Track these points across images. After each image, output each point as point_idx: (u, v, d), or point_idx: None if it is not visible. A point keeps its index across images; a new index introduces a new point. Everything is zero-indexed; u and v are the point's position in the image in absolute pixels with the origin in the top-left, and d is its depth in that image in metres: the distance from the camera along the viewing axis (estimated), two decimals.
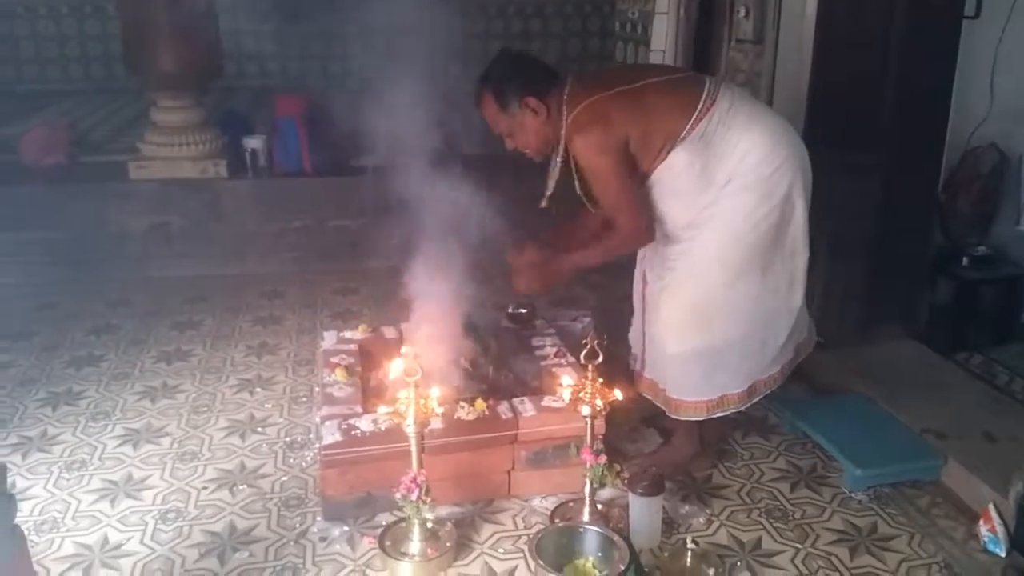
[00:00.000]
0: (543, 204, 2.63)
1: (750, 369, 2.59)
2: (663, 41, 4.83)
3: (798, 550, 2.39)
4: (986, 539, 2.38)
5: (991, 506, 2.41)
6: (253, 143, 4.79)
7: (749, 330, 2.54)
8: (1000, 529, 2.36)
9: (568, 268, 2.70)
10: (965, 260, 3.52)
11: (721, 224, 2.46)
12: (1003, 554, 2.34)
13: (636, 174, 2.46)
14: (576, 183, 2.54)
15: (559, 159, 2.52)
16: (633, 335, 2.84)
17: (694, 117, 2.40)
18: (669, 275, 2.56)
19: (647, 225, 2.51)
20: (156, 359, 3.59)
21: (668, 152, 2.42)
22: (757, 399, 2.63)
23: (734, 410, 2.62)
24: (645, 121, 2.42)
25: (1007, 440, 2.72)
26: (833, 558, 2.37)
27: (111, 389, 3.31)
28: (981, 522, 2.41)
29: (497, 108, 2.46)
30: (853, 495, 2.64)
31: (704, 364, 2.54)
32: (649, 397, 2.73)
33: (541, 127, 2.46)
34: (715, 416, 2.62)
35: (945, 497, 2.62)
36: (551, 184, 2.58)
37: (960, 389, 3.11)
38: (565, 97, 2.44)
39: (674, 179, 2.46)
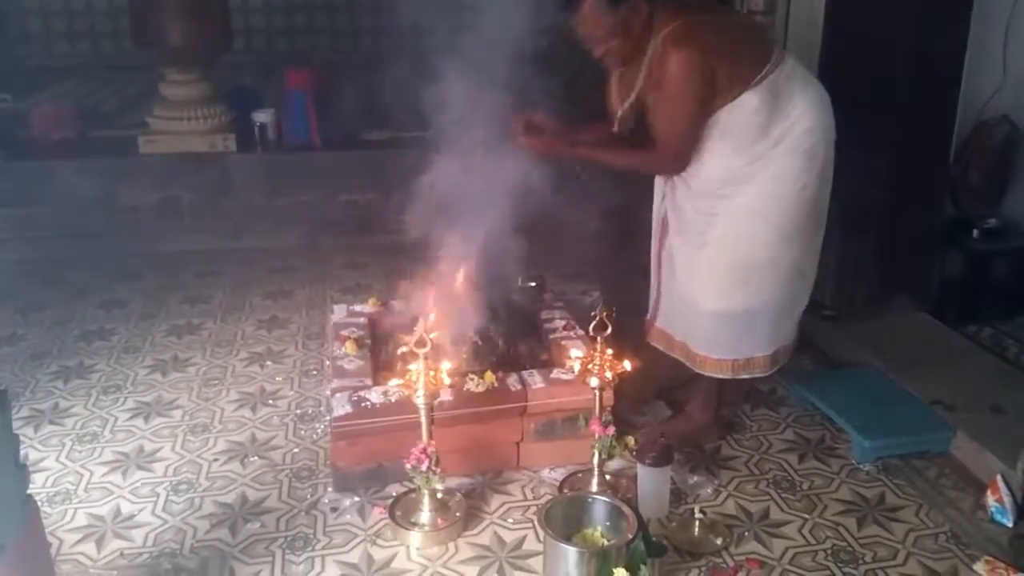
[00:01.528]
0: (615, 127, 2.60)
1: (776, 334, 2.63)
2: None
3: (805, 520, 2.41)
4: (993, 509, 2.39)
5: (999, 477, 2.41)
6: (262, 117, 4.78)
7: (785, 295, 2.57)
8: (1008, 500, 2.36)
9: (580, 152, 2.64)
10: (976, 232, 3.51)
11: (769, 183, 2.45)
12: (1010, 524, 2.35)
13: (707, 107, 2.41)
14: (630, 98, 2.51)
15: (643, 74, 2.44)
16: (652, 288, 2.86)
17: (771, 62, 2.40)
18: (708, 232, 2.52)
19: (685, 157, 2.48)
20: (167, 333, 3.60)
21: (741, 93, 2.38)
22: (777, 368, 2.68)
23: (759, 374, 2.67)
24: (733, 56, 2.38)
25: (1016, 412, 2.72)
26: (841, 528, 2.38)
27: (122, 362, 3.34)
28: (989, 493, 2.42)
29: (603, 9, 2.34)
30: (861, 466, 2.64)
31: (738, 324, 2.56)
32: (659, 347, 2.78)
33: (640, 32, 2.38)
34: (738, 377, 2.65)
35: (953, 468, 2.62)
36: (631, 98, 2.51)
37: (970, 362, 3.11)
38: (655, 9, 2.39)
39: (735, 123, 2.42)
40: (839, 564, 2.24)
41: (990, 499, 2.41)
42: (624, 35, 2.38)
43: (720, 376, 2.65)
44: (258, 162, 4.75)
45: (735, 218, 2.49)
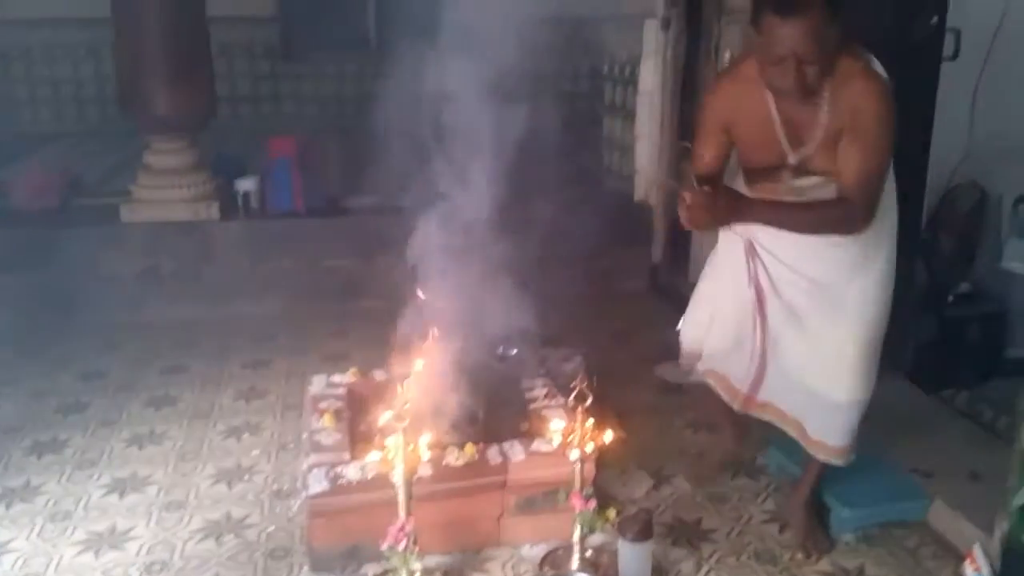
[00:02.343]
0: (791, 162, 2.27)
1: None
2: (650, 83, 4.90)
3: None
4: None
5: (976, 546, 2.41)
6: (245, 184, 4.82)
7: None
8: (985, 569, 2.35)
9: (757, 211, 2.28)
10: (950, 298, 3.56)
11: (888, 249, 2.34)
12: None
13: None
14: (815, 138, 2.22)
15: (823, 119, 2.19)
16: (733, 351, 2.58)
17: None
18: (840, 309, 2.33)
19: (875, 209, 2.21)
20: (144, 404, 3.58)
21: None
22: None
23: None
24: None
25: (992, 478, 2.72)
26: None
27: (98, 436, 3.30)
28: (967, 562, 2.41)
29: (827, 18, 2.05)
30: (841, 536, 2.64)
31: (863, 409, 2.42)
32: (773, 421, 2.61)
33: (834, 52, 2.11)
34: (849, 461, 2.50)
35: (932, 537, 2.63)
36: (816, 137, 2.21)
37: (946, 427, 3.13)
38: None
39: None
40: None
41: (968, 569, 2.40)
42: (824, 56, 2.09)
43: (839, 463, 2.49)
44: (241, 229, 4.77)
45: (865, 293, 2.33)
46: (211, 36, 4.82)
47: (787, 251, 2.35)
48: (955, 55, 3.37)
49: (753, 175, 2.40)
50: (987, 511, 2.46)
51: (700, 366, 2.73)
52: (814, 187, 2.27)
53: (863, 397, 2.37)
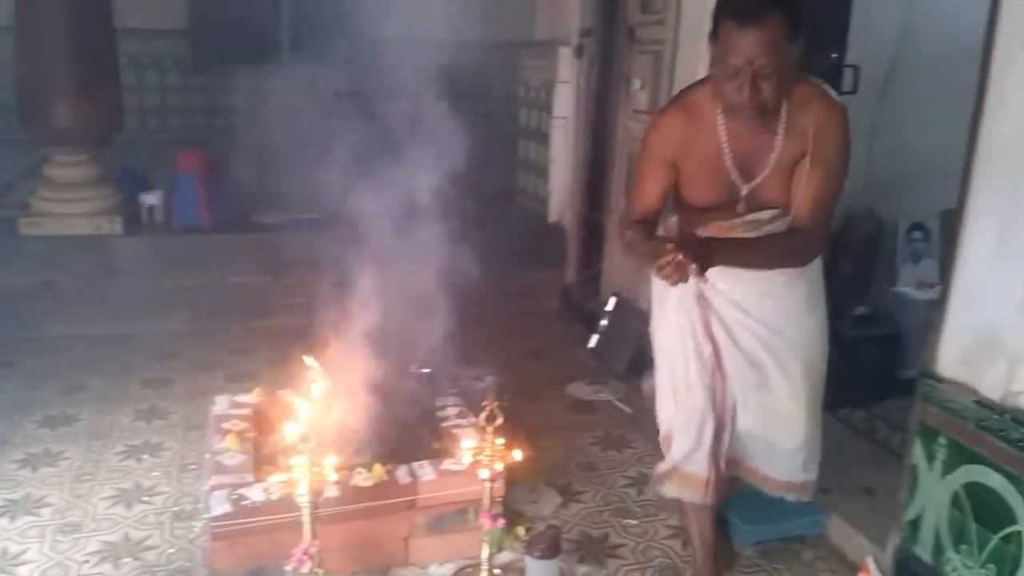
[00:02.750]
0: (743, 194, 2.18)
1: None
2: (565, 108, 4.99)
3: None
4: None
5: (870, 559, 2.51)
6: (150, 199, 4.71)
7: None
8: None
9: (730, 253, 2.13)
10: (847, 320, 3.69)
11: (823, 287, 2.37)
12: None
13: None
14: (769, 163, 2.14)
15: (776, 148, 2.13)
16: (690, 425, 2.39)
17: None
18: (791, 354, 2.33)
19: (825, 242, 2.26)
20: (39, 424, 3.43)
21: None
22: None
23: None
24: None
25: (885, 494, 2.83)
26: None
27: None
28: (860, 574, 2.50)
29: (786, 36, 1.98)
30: (742, 551, 2.70)
31: (819, 441, 2.49)
32: (754, 483, 2.53)
33: (792, 79, 2.07)
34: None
35: (829, 551, 2.72)
36: (769, 162, 2.14)
37: (843, 445, 3.23)
38: None
39: None
40: None
41: None
42: (784, 76, 2.02)
43: (805, 499, 2.53)
44: (145, 245, 4.65)
45: (815, 327, 2.38)
46: (119, 48, 4.70)
47: (739, 292, 2.28)
48: (854, 90, 3.53)
49: (698, 214, 2.28)
50: (881, 525, 2.56)
51: (664, 467, 2.50)
52: (771, 220, 2.19)
53: (818, 433, 2.45)
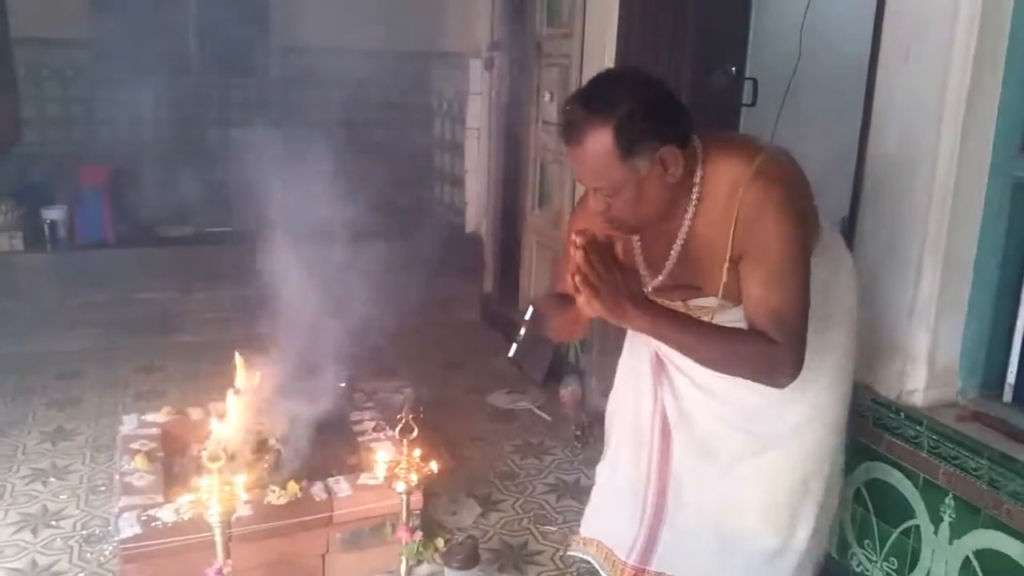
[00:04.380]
0: (649, 288, 1.82)
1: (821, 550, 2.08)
2: (477, 120, 5.03)
3: None
4: None
5: None
6: (53, 214, 4.55)
7: (832, 501, 2.05)
8: None
9: (660, 322, 1.65)
10: None
11: (833, 371, 1.90)
12: None
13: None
14: (671, 258, 1.78)
15: (680, 239, 1.74)
16: (625, 501, 2.08)
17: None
18: (771, 442, 1.90)
19: (803, 356, 1.67)
20: None
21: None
22: None
23: None
24: (811, 205, 1.80)
25: None
26: None
27: None
28: None
29: (615, 154, 1.58)
30: None
31: (802, 555, 1.96)
32: None
33: (667, 191, 1.65)
34: None
35: None
36: (667, 270, 1.79)
37: None
38: (699, 150, 1.70)
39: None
40: None
41: None
42: (640, 195, 1.63)
43: None
44: (48, 261, 4.50)
45: (802, 423, 1.89)
46: (17, 57, 4.54)
47: (702, 370, 1.84)
48: (753, 102, 3.66)
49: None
50: None
51: (580, 530, 2.24)
52: (720, 308, 1.80)
53: (800, 547, 1.93)
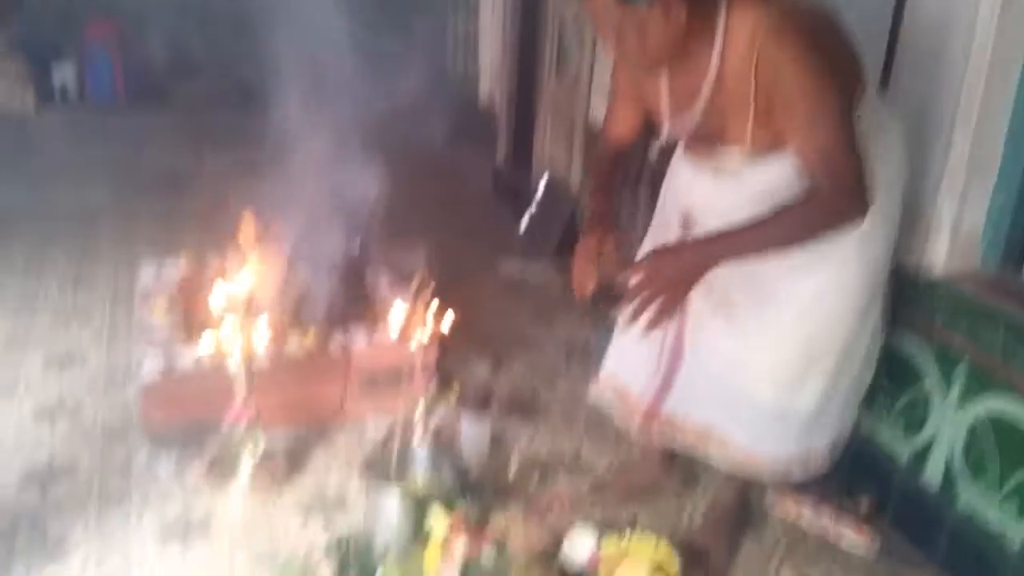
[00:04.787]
0: (656, 152, 2.03)
1: (843, 422, 2.12)
2: None
3: (612, 461, 2.57)
4: None
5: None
6: (62, 73, 4.50)
7: (860, 375, 2.07)
8: None
9: (722, 247, 1.76)
10: None
11: (857, 245, 1.85)
12: None
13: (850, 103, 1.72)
14: (702, 96, 1.77)
15: (707, 88, 1.75)
16: (641, 345, 2.08)
17: (865, 78, 1.84)
18: (777, 307, 1.91)
19: (862, 175, 1.67)
20: None
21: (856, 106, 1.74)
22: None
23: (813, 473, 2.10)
24: (842, 56, 1.76)
25: None
26: None
27: None
28: None
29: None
30: None
31: (806, 418, 1.99)
32: (681, 447, 2.16)
33: (671, 33, 1.66)
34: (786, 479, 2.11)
35: None
36: (695, 117, 1.81)
37: None
38: (723, 2, 1.70)
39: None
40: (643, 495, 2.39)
41: None
42: (646, 34, 1.67)
43: (771, 480, 2.12)
44: (59, 117, 4.49)
45: (820, 286, 1.88)
46: None
47: (726, 200, 1.90)
48: None
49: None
50: None
51: (600, 373, 2.29)
52: (748, 164, 1.83)
53: (805, 412, 1.97)
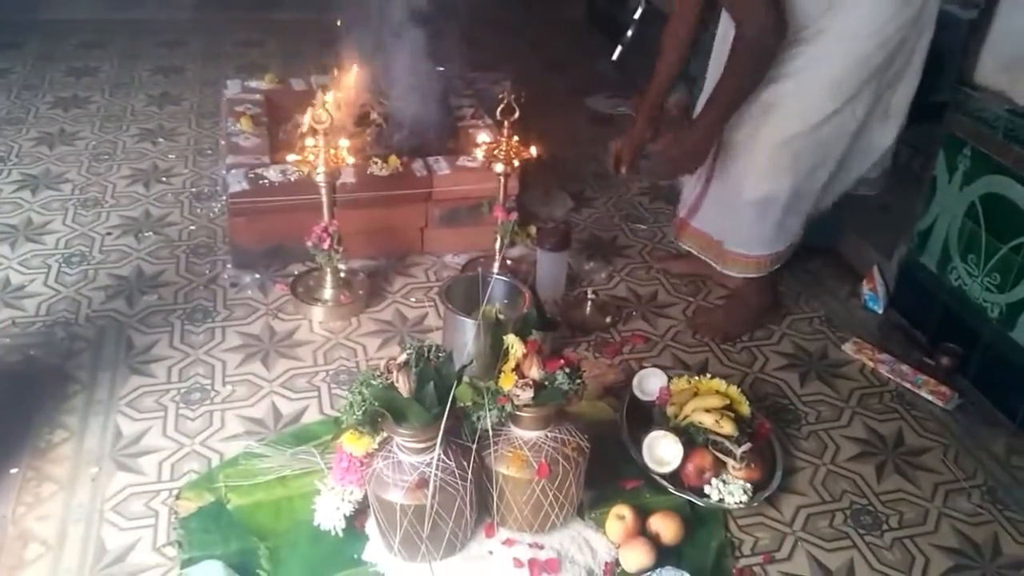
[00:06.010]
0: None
1: (810, 213, 2.33)
2: None
3: (689, 303, 2.53)
4: (867, 297, 2.55)
5: (875, 267, 2.56)
6: None
7: (832, 170, 2.22)
8: (881, 289, 2.53)
9: (711, 119, 2.11)
10: None
11: (845, 36, 2.01)
12: (880, 311, 2.52)
13: None
14: None
15: None
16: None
17: None
18: (775, 107, 2.11)
19: (777, 19, 1.92)
20: (52, 105, 3.41)
21: None
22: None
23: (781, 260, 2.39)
24: None
25: (899, 211, 2.84)
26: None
27: (4, 134, 3.15)
28: (864, 282, 2.57)
29: None
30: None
31: (780, 211, 2.23)
32: (692, 250, 2.48)
33: None
34: (766, 272, 2.36)
35: (836, 260, 2.77)
36: None
37: None
38: None
39: None
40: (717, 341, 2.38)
41: (865, 288, 2.57)
42: None
43: (749, 275, 2.36)
44: None
45: (801, 88, 2.07)
46: None
47: None
48: None
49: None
50: (891, 238, 2.59)
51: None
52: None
53: (768, 193, 2.18)
